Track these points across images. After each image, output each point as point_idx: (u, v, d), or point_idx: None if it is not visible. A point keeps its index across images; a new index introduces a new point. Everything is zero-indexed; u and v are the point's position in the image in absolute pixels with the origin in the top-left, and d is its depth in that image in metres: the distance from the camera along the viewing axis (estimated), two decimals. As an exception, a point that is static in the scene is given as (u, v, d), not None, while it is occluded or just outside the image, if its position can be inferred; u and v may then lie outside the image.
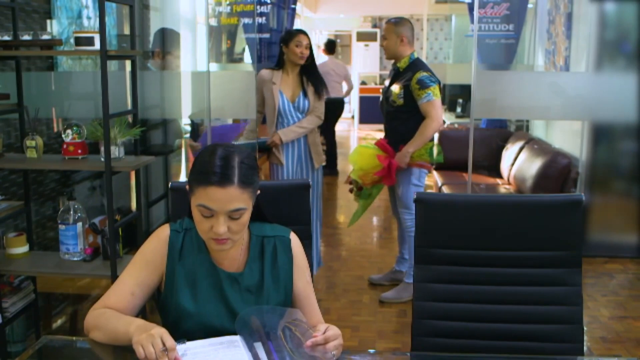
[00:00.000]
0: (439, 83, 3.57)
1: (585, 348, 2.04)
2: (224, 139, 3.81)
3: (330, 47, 7.82)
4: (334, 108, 7.47)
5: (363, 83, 11.76)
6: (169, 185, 1.83)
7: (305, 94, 3.66)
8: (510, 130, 6.19)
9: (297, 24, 8.41)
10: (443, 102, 4.47)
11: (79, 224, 2.66)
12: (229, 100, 3.56)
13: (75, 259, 2.69)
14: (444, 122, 6.96)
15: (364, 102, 11.45)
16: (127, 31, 3.85)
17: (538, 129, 5.73)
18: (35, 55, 3.08)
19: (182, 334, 1.46)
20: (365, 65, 12.29)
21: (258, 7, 5.58)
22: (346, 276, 4.20)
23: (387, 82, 3.80)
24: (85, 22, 3.49)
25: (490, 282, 1.76)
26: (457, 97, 7.91)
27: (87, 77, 3.44)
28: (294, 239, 1.64)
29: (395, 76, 3.69)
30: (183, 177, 4.34)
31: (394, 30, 3.64)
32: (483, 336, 1.75)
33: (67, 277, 3.25)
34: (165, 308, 1.57)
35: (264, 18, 5.77)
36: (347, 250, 4.81)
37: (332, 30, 13.16)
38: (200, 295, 1.54)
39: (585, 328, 1.97)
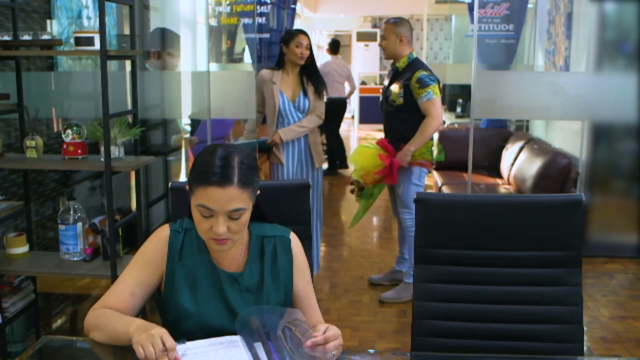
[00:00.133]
0: (438, 82, 3.58)
1: (585, 348, 2.04)
2: (218, 130, 3.79)
3: (334, 47, 7.84)
4: (337, 108, 7.50)
5: (363, 83, 11.76)
6: (169, 185, 1.83)
7: (305, 94, 3.67)
8: (510, 130, 6.19)
9: (297, 24, 8.41)
10: (443, 102, 4.48)
11: (79, 224, 2.66)
12: (229, 100, 3.55)
13: (75, 259, 2.69)
14: (444, 122, 6.96)
15: (364, 102, 11.45)
16: (127, 31, 3.85)
17: (538, 129, 5.73)
18: (35, 55, 3.07)
19: (182, 334, 1.46)
20: (365, 65, 12.29)
21: (258, 7, 5.58)
22: (346, 276, 4.20)
23: (386, 82, 3.81)
24: (85, 22, 3.49)
25: (490, 282, 1.76)
26: (457, 97, 7.91)
27: (87, 77, 3.44)
28: (294, 239, 1.64)
29: (395, 76, 3.70)
30: (183, 177, 4.33)
31: (393, 30, 3.65)
32: (483, 336, 1.75)
33: (67, 277, 3.25)
34: (165, 308, 1.58)
35: (264, 18, 5.77)
36: (347, 251, 4.81)
37: (332, 30, 13.16)
38: (200, 295, 1.54)
39: (585, 328, 1.97)
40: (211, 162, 1.44)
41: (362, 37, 12.30)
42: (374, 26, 12.33)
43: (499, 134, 5.75)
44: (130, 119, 2.89)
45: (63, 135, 2.67)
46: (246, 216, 1.48)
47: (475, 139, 3.65)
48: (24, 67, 2.95)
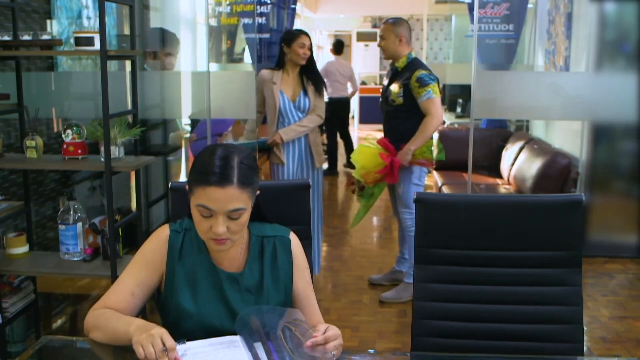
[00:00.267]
0: (438, 81, 3.58)
1: (585, 348, 2.04)
2: (215, 127, 3.79)
3: (338, 47, 7.88)
4: (339, 108, 7.53)
5: (363, 83, 11.76)
6: (169, 185, 1.83)
7: (305, 93, 3.67)
8: (510, 130, 6.19)
9: (297, 24, 8.41)
10: (443, 102, 4.48)
11: (79, 224, 2.66)
12: (229, 100, 3.55)
13: (75, 259, 2.69)
14: (444, 122, 6.97)
15: (364, 102, 11.45)
16: (127, 31, 3.85)
17: (538, 129, 5.73)
18: (35, 55, 3.07)
19: (182, 334, 1.46)
20: (365, 65, 12.29)
21: (258, 7, 5.57)
22: (346, 276, 4.20)
23: (385, 82, 3.82)
24: (85, 22, 3.49)
25: (490, 282, 1.76)
26: (457, 97, 7.91)
27: (87, 77, 3.44)
28: (294, 239, 1.64)
29: (394, 76, 3.70)
30: (183, 177, 4.33)
31: (392, 30, 3.66)
32: (483, 336, 1.75)
33: (67, 277, 3.25)
34: (165, 308, 1.57)
35: (264, 18, 5.77)
36: (347, 251, 4.81)
37: (332, 30, 13.16)
38: (200, 295, 1.54)
39: (585, 328, 1.97)
40: (211, 162, 1.44)
41: (362, 37, 12.30)
42: (374, 26, 12.32)
43: (499, 134, 5.75)
44: (130, 119, 2.88)
45: (63, 135, 2.67)
46: (245, 216, 1.48)
47: (475, 139, 3.65)
48: (24, 67, 2.95)
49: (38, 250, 3.05)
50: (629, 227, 4.46)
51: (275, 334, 1.43)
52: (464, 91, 7.41)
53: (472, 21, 6.15)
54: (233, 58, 5.71)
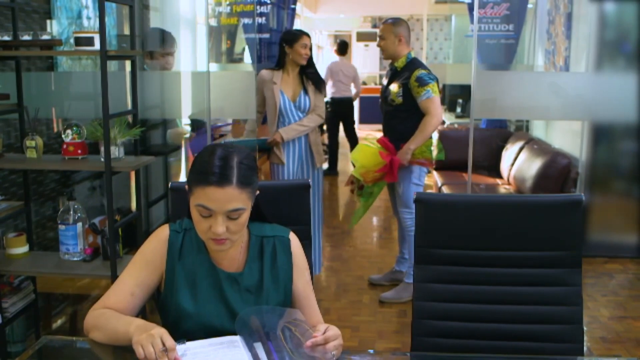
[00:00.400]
0: (437, 80, 3.58)
1: (585, 348, 2.04)
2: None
3: (343, 48, 7.92)
4: (341, 107, 7.55)
5: (363, 83, 11.75)
6: (169, 185, 1.83)
7: (306, 93, 3.68)
8: (510, 130, 6.19)
9: (297, 24, 8.41)
10: (443, 103, 4.48)
11: (79, 224, 2.66)
12: (229, 101, 3.56)
13: (75, 259, 2.69)
14: (444, 122, 6.97)
15: (364, 102, 11.43)
16: (127, 31, 3.84)
17: (538, 129, 5.73)
18: (35, 55, 3.07)
19: (182, 334, 1.46)
20: (365, 65, 12.28)
21: (258, 7, 5.57)
22: (346, 276, 4.20)
23: (385, 82, 3.82)
24: (85, 22, 3.49)
25: (490, 282, 1.76)
26: (457, 97, 7.91)
27: (87, 77, 3.44)
28: (294, 239, 1.64)
29: (393, 75, 3.71)
30: (183, 177, 4.33)
31: (391, 30, 3.66)
32: (483, 336, 1.75)
33: (67, 277, 3.25)
34: (165, 308, 1.57)
35: (264, 18, 5.77)
36: (347, 251, 4.81)
37: (332, 31, 13.15)
38: (200, 295, 1.54)
39: (585, 328, 1.97)
40: (210, 162, 1.44)
41: (362, 37, 12.30)
42: (374, 26, 12.31)
43: (499, 134, 5.75)
44: (130, 119, 2.88)
45: (63, 135, 2.67)
46: (245, 216, 1.48)
47: (475, 139, 3.65)
48: (24, 67, 2.95)
49: (38, 250, 3.05)
50: (629, 227, 4.46)
51: (275, 334, 1.43)
52: (464, 91, 7.41)
53: (472, 21, 6.15)
54: (233, 58, 5.71)
